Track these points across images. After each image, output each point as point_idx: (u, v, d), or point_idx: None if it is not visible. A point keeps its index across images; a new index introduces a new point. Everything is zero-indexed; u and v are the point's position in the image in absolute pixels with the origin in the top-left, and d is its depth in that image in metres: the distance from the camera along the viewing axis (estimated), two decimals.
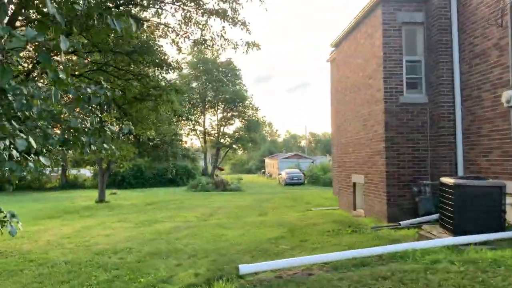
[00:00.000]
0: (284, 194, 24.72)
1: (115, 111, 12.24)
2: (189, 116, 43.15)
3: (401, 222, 8.94)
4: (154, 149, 22.80)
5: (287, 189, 33.61)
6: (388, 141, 9.75)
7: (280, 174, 41.96)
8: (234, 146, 49.99)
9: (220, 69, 51.10)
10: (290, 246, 7.70)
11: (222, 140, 52.30)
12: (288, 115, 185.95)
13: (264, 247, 7.71)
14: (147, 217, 14.97)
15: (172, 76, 31.23)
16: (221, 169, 59.48)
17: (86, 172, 51.64)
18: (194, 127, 50.65)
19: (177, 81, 28.95)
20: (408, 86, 9.96)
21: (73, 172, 48.98)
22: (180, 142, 28.19)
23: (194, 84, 50.47)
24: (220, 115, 53.53)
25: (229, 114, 52.75)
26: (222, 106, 53.05)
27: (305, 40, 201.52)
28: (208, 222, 12.85)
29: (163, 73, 11.27)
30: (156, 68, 10.73)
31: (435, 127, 9.63)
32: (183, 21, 9.44)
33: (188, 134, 48.27)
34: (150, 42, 10.26)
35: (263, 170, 76.41)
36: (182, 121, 40.27)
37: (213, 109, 53.10)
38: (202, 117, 52.67)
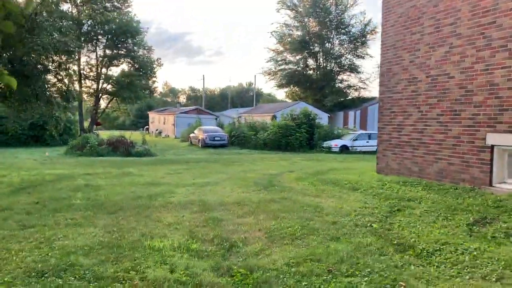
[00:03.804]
0: (262, 164, 15.57)
1: None
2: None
3: None
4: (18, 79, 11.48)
5: (219, 153, 24.41)
6: None
7: (194, 133, 32.25)
8: (123, 94, 37.92)
9: None
10: None
11: (104, 86, 39.82)
12: (165, 67, 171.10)
13: None
14: None
15: None
16: (99, 124, 46.79)
17: None
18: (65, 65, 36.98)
19: None
20: None
21: None
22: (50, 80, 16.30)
23: (65, 7, 36.42)
24: (101, 52, 40.64)
25: (114, 52, 40.17)
26: (105, 40, 40.16)
27: None
28: None
29: None
30: None
31: None
32: None
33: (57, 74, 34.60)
34: None
35: (147, 127, 64.90)
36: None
37: (91, 44, 39.86)
38: (76, 53, 39.06)
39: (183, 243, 5.61)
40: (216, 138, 28.97)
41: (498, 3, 8.02)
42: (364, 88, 45.02)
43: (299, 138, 27.48)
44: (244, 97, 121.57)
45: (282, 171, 13.74)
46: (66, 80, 14.00)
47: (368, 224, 6.27)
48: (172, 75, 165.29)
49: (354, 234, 5.77)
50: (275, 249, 5.29)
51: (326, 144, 27.19)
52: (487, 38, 8.24)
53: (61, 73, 13.58)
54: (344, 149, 26.48)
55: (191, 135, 32.56)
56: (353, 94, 44.99)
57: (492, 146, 8.16)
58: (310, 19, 44.14)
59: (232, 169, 14.75)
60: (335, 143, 26.82)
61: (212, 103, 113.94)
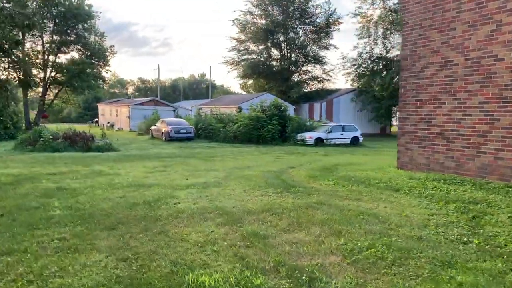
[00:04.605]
0: (246, 159, 13.83)
1: None
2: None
3: None
4: None
5: (188, 146, 22.45)
6: None
7: (156, 125, 29.95)
8: (74, 83, 34.62)
9: None
10: None
11: (53, 74, 36.26)
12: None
13: None
14: None
15: None
16: (46, 116, 42.94)
17: None
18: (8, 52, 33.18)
19: None
20: None
21: None
22: None
23: None
24: (47, 38, 36.93)
25: (62, 38, 36.63)
26: (52, 24, 36.52)
27: None
28: None
29: None
30: None
31: None
32: None
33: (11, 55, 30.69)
34: None
35: (96, 119, 61.11)
36: None
37: (37, 29, 36.03)
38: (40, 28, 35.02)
39: (239, 276, 4.00)
40: (181, 131, 26.92)
41: None
42: (328, 80, 44.31)
43: (271, 130, 26.06)
44: (196, 89, 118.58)
45: (281, 167, 12.21)
46: (25, 62, 11.56)
47: (465, 239, 4.90)
48: (118, 65, 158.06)
49: (463, 256, 4.38)
50: (378, 284, 3.77)
51: (300, 136, 25.97)
52: None
53: (18, 53, 11.17)
54: (319, 141, 25.39)
55: (153, 127, 30.22)
56: (317, 85, 44.19)
57: None
58: (274, 7, 42.65)
59: (220, 166, 13.04)
60: (310, 136, 25.66)
61: (163, 94, 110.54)
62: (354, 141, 26.66)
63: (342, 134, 26.44)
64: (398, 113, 10.16)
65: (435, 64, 9.13)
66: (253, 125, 26.05)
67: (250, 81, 50.78)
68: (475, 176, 8.31)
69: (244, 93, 57.16)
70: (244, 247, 4.85)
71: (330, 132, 26.13)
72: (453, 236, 5.02)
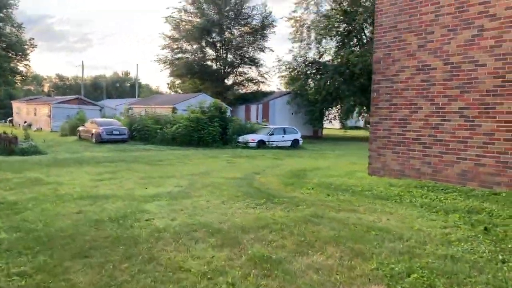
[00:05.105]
0: (196, 164, 12.70)
1: None
2: None
3: None
4: None
5: (124, 149, 20.71)
6: None
7: (84, 126, 27.57)
8: None
9: None
10: None
11: None
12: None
13: None
14: None
15: None
16: None
17: None
18: None
19: None
20: None
21: None
22: None
23: None
24: None
25: None
26: None
27: None
28: None
29: None
30: None
31: None
32: None
33: None
34: None
35: (11, 118, 55.62)
36: None
37: None
38: None
39: None
40: (114, 132, 24.98)
41: None
42: (263, 82, 44.20)
43: (213, 132, 25.09)
44: (120, 87, 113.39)
45: (244, 173, 11.41)
46: None
47: (500, 257, 4.50)
48: (33, 60, 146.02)
49: None
50: None
51: (242, 139, 25.30)
52: None
53: None
54: (261, 144, 24.92)
55: (81, 128, 27.80)
56: (252, 87, 43.90)
57: None
58: (210, 5, 41.59)
59: (175, 171, 11.94)
60: (252, 138, 25.08)
61: (85, 92, 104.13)
62: (295, 144, 26.57)
63: (283, 136, 26.22)
64: (370, 118, 9.85)
65: (411, 68, 8.92)
66: (193, 126, 24.89)
67: (178, 81, 49.30)
68: (454, 182, 8.17)
69: (172, 93, 55.34)
70: (262, 276, 4.05)
71: (272, 134, 25.79)
72: (485, 254, 4.60)
